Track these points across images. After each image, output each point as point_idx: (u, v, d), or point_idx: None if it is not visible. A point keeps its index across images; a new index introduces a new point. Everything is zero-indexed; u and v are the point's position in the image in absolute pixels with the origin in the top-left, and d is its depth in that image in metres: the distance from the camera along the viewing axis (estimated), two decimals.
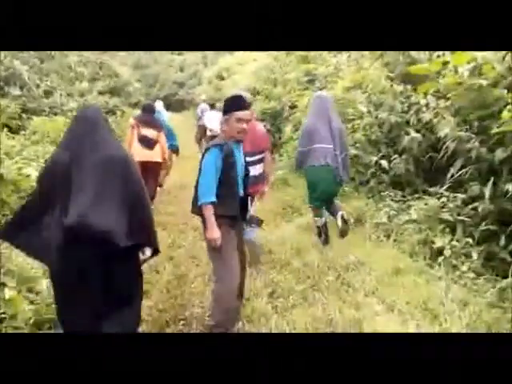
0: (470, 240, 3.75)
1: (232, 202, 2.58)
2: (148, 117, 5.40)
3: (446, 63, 4.58)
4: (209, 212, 2.48)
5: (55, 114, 7.28)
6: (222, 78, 17.05)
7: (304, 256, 3.97)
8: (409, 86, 5.80)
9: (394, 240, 4.30)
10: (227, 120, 2.60)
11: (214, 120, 8.08)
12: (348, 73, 7.38)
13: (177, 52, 31.07)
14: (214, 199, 2.48)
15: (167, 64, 29.46)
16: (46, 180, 2.08)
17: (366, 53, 7.61)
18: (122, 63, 27.36)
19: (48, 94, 7.39)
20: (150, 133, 5.28)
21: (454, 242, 3.75)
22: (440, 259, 3.70)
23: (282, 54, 11.77)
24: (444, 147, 4.42)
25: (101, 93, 14.11)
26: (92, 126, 2.05)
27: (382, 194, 5.11)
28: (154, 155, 5.27)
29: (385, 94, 5.92)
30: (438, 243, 3.79)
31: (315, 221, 4.28)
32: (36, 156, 5.13)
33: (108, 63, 14.03)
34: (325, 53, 9.42)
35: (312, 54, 9.73)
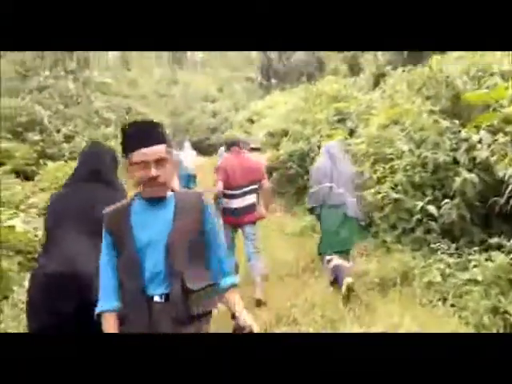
0: None
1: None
2: None
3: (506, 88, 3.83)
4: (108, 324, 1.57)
5: (75, 159, 7.01)
6: (252, 122, 16.90)
7: (338, 326, 3.15)
8: (456, 121, 5.07)
9: (452, 305, 3.42)
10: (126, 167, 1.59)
11: None
12: (382, 109, 6.75)
13: (210, 99, 31.90)
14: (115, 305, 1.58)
15: (201, 110, 30.08)
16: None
17: (403, 88, 7.01)
18: (158, 111, 28.26)
19: (69, 138, 7.17)
20: None
21: None
22: None
23: (312, 95, 11.42)
24: (508, 190, 3.60)
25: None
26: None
27: (432, 245, 4.25)
28: None
29: (428, 131, 5.19)
30: None
31: (325, 269, 4.02)
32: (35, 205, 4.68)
33: (137, 109, 14.15)
34: (356, 91, 8.90)
35: (343, 93, 9.25)
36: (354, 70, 12.91)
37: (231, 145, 4.12)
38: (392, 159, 5.32)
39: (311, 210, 4.33)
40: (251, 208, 3.88)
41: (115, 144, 8.59)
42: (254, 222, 3.97)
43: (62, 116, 7.42)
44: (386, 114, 6.24)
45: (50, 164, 5.61)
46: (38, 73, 7.32)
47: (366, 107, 7.74)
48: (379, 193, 5.09)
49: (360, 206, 4.14)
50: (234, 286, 1.64)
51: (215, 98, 31.94)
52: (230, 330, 1.54)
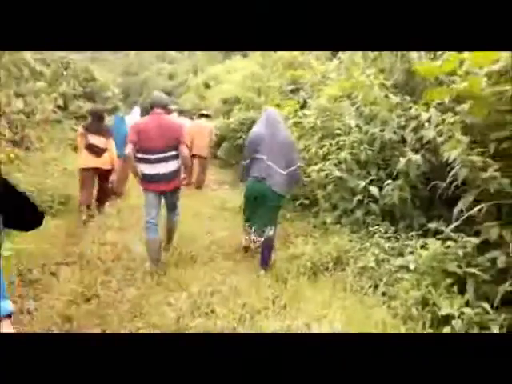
0: (486, 305, 2.70)
1: None
2: (96, 124, 5.30)
3: (460, 64, 3.55)
4: None
5: None
6: (208, 86, 16.18)
7: (257, 319, 2.86)
8: (407, 97, 4.82)
9: (383, 293, 3.24)
10: None
11: None
12: (336, 81, 6.40)
13: (167, 60, 30.36)
14: None
15: (157, 72, 28.59)
16: None
17: (359, 60, 6.67)
18: (111, 69, 26.56)
19: None
20: (97, 140, 5.22)
21: (466, 309, 2.68)
22: (446, 329, 2.64)
23: (269, 61, 10.88)
24: (451, 174, 3.39)
25: (75, 96, 13.07)
26: None
27: (370, 228, 4.04)
28: (102, 162, 5.23)
29: (378, 106, 4.91)
30: (444, 309, 2.72)
31: (244, 240, 4.01)
32: None
33: (83, 65, 12.99)
34: (312, 60, 8.48)
35: (300, 60, 8.81)
36: None
37: (155, 106, 3.68)
38: (339, 135, 5.02)
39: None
40: (172, 175, 3.64)
41: (47, 100, 7.75)
42: (174, 191, 3.77)
43: None
44: (338, 86, 5.90)
45: None
46: None
47: (322, 78, 7.37)
48: (323, 170, 4.81)
49: (290, 180, 3.82)
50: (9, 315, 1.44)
51: (173, 59, 30.40)
52: None
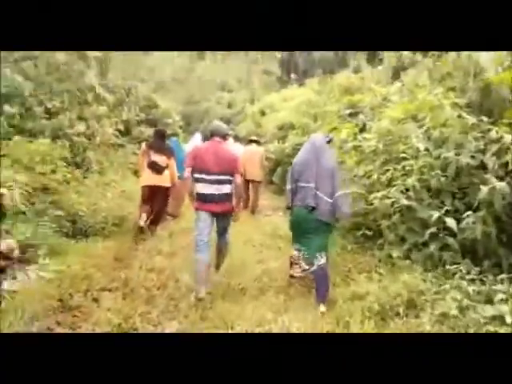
0: None
1: None
2: (158, 143, 5.45)
3: None
4: None
5: (58, 138, 6.34)
6: (264, 114, 16.17)
7: None
8: (485, 118, 4.19)
9: None
10: None
11: None
12: (399, 102, 5.87)
13: (226, 90, 31.26)
14: None
15: (216, 101, 29.46)
16: None
17: (424, 81, 6.12)
18: (174, 98, 27.71)
19: (53, 114, 6.48)
20: (159, 159, 5.31)
21: None
22: None
23: (325, 88, 10.57)
24: None
25: (138, 122, 13.51)
26: None
27: (448, 267, 3.40)
28: (163, 180, 5.32)
29: (449, 127, 4.32)
30: None
31: (292, 268, 3.65)
32: None
33: (146, 93, 13.46)
34: (373, 83, 8.00)
35: (357, 84, 8.38)
36: (374, 61, 11.96)
37: (214, 134, 3.79)
38: (405, 159, 4.46)
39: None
40: (224, 197, 3.65)
41: (108, 124, 7.91)
42: (225, 214, 3.73)
43: (49, 90, 6.74)
44: (402, 108, 5.36)
45: (15, 139, 4.95)
46: None
47: (382, 100, 6.86)
48: (388, 197, 4.25)
49: (336, 207, 3.49)
50: None
51: (232, 89, 31.27)
52: None
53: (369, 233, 4.64)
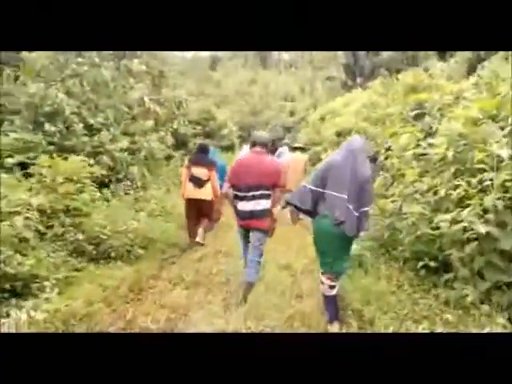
0: None
1: None
2: (200, 156, 5.51)
3: None
4: None
5: (98, 154, 6.13)
6: (324, 120, 15.27)
7: None
8: None
9: None
10: None
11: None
12: (475, 100, 4.73)
13: (290, 98, 30.71)
14: None
15: (279, 110, 29.01)
16: None
17: (508, 73, 4.90)
18: (237, 110, 27.77)
19: (95, 131, 6.31)
20: (200, 172, 5.36)
21: None
22: None
23: (390, 90, 9.42)
24: None
25: (195, 135, 13.39)
26: None
27: None
28: (204, 193, 5.36)
29: None
30: None
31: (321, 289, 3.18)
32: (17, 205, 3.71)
33: (201, 105, 13.34)
34: (442, 80, 6.80)
35: (426, 82, 7.19)
36: (444, 57, 10.48)
37: (256, 144, 3.68)
38: (483, 170, 3.41)
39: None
40: (262, 213, 3.52)
41: (153, 138, 7.64)
42: (262, 230, 3.56)
43: (92, 106, 6.60)
44: (479, 106, 4.25)
45: (43, 157, 4.71)
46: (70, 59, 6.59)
47: (455, 99, 5.70)
48: (458, 221, 3.24)
49: (359, 223, 3.04)
50: None
51: (295, 98, 30.64)
52: None
53: (432, 264, 3.62)
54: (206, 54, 39.13)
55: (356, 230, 3.02)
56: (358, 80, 25.29)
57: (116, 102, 6.95)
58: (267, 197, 3.51)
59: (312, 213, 3.13)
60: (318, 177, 3.11)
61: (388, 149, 6.10)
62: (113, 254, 4.38)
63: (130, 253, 4.53)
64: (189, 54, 37.39)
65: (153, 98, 8.50)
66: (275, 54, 41.83)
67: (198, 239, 5.28)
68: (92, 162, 5.54)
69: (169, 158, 9.13)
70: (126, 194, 6.34)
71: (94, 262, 4.21)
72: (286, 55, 42.36)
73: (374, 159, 6.37)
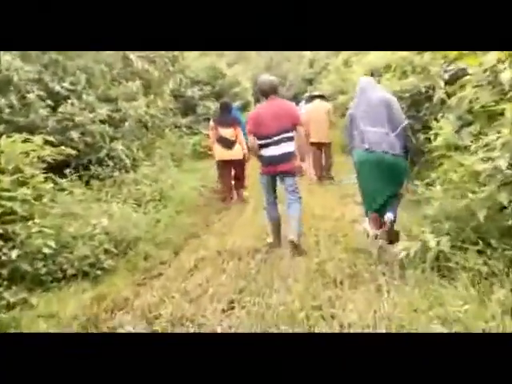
0: None
1: None
2: (224, 116, 5.39)
3: None
4: None
5: (65, 130, 4.68)
6: (348, 64, 13.10)
7: None
8: None
9: None
10: None
11: None
12: None
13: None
14: None
15: (297, 62, 26.49)
16: None
17: None
18: (254, 67, 25.51)
19: (62, 100, 4.80)
20: (227, 132, 5.30)
21: None
22: None
23: None
24: None
25: (203, 97, 11.69)
26: None
27: None
28: (235, 153, 5.33)
29: None
30: None
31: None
32: None
33: (207, 61, 11.49)
34: None
35: None
36: None
37: (267, 93, 3.52)
38: None
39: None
40: (286, 157, 3.49)
41: (141, 102, 6.06)
42: (291, 173, 3.54)
43: (58, 69, 5.05)
44: None
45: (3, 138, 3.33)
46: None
47: None
48: None
49: (401, 142, 2.99)
50: None
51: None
52: None
53: None
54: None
55: (400, 150, 3.00)
56: None
57: (88, 62, 5.36)
58: (291, 139, 3.51)
59: None
60: (347, 128, 3.33)
61: (448, 82, 4.26)
62: (69, 272, 2.99)
63: (95, 267, 3.11)
64: None
65: (140, 54, 6.83)
66: None
67: (239, 199, 5.51)
68: (56, 140, 4.11)
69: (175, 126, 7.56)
70: (109, 177, 4.91)
71: (42, 289, 2.84)
72: None
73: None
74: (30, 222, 2.97)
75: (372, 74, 6.67)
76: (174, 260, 3.55)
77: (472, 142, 3.02)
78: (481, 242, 2.35)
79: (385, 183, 3.01)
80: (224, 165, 5.43)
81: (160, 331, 2.32)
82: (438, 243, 2.36)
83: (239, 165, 5.46)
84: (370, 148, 3.00)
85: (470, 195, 2.45)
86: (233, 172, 5.57)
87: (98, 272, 3.11)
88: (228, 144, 5.28)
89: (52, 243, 2.89)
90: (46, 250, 2.86)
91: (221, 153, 5.34)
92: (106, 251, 3.24)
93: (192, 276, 3.15)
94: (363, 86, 3.26)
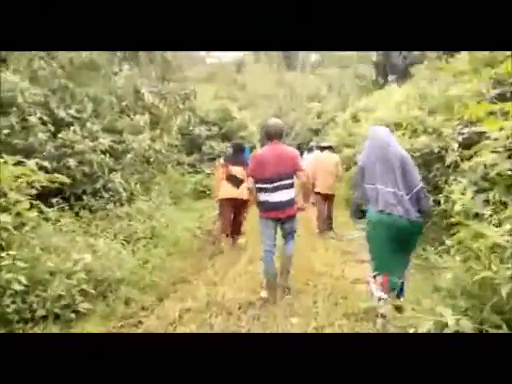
0: None
1: None
2: (237, 156, 5.45)
3: None
4: None
5: (63, 156, 4.51)
6: (356, 119, 13.26)
7: None
8: None
9: None
10: None
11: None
12: None
13: (316, 100, 28.85)
14: None
15: (306, 112, 27.11)
16: None
17: None
18: (262, 113, 26.07)
19: (65, 127, 4.68)
20: (238, 171, 5.32)
21: None
22: None
23: (448, 69, 7.35)
24: None
25: (209, 137, 11.72)
26: None
27: None
28: (241, 193, 5.25)
29: None
30: None
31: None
32: None
33: (226, 108, 11.65)
34: None
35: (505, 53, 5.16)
36: None
37: (272, 136, 3.58)
38: None
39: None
40: (292, 202, 3.54)
41: (146, 136, 5.95)
42: (292, 217, 3.58)
43: (67, 95, 4.98)
44: None
45: None
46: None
47: None
48: None
49: (416, 205, 2.82)
50: None
51: (322, 98, 28.65)
52: None
53: None
54: (229, 59, 37.89)
55: (415, 214, 2.84)
56: (390, 78, 23.10)
57: (98, 91, 5.31)
58: (292, 186, 3.54)
59: None
60: (355, 183, 3.53)
61: (462, 146, 4.14)
62: (38, 314, 2.67)
63: (69, 308, 2.79)
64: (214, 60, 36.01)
65: (152, 89, 6.84)
66: (300, 54, 40.26)
67: (233, 245, 5.37)
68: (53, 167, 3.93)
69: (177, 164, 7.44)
70: (101, 210, 4.68)
71: (5, 329, 2.52)
72: (313, 55, 40.64)
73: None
74: (3, 253, 2.69)
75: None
76: (158, 307, 3.22)
77: (489, 210, 2.82)
78: (504, 326, 2.06)
79: (396, 247, 2.82)
80: (227, 203, 5.33)
81: None
82: (458, 322, 2.07)
83: (242, 206, 5.39)
84: (385, 209, 2.83)
85: (492, 268, 2.19)
86: (232, 216, 5.44)
87: (72, 315, 2.79)
88: (237, 182, 5.28)
89: (23, 279, 2.59)
90: (16, 287, 2.56)
91: (227, 190, 5.27)
92: (84, 292, 2.94)
93: (175, 329, 2.82)
94: (377, 137, 3.05)
